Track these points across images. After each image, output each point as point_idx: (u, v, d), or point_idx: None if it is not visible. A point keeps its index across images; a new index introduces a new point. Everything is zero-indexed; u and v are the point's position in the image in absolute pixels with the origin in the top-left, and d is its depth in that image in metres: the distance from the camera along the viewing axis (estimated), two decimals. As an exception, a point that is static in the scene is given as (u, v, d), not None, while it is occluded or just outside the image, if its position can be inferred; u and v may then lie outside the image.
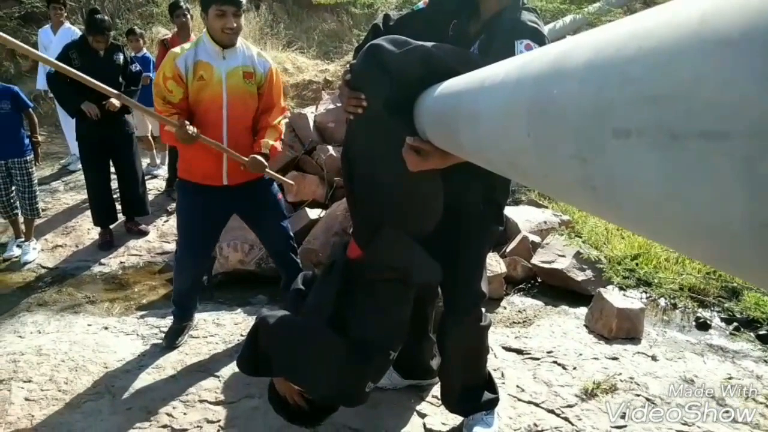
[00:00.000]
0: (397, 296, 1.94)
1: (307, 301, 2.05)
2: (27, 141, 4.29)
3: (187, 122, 2.61)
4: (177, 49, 2.76)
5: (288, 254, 3.07)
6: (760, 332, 3.17)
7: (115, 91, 2.69)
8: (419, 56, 1.48)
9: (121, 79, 4.42)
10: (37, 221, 4.64)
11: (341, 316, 1.91)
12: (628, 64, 0.44)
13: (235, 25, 2.66)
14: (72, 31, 5.98)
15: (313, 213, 4.20)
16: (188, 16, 5.29)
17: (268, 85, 2.88)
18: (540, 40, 1.62)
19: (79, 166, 5.24)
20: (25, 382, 2.72)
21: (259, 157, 2.76)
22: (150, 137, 6.15)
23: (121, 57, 4.49)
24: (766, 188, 0.31)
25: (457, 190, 1.86)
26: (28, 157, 4.28)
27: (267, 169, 2.83)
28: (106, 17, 4.47)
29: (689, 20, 0.37)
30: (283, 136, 3.01)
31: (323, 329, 1.88)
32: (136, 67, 4.67)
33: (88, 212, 4.75)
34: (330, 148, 4.57)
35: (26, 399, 2.60)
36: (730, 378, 2.71)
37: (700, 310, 3.44)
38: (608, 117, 0.46)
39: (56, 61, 2.66)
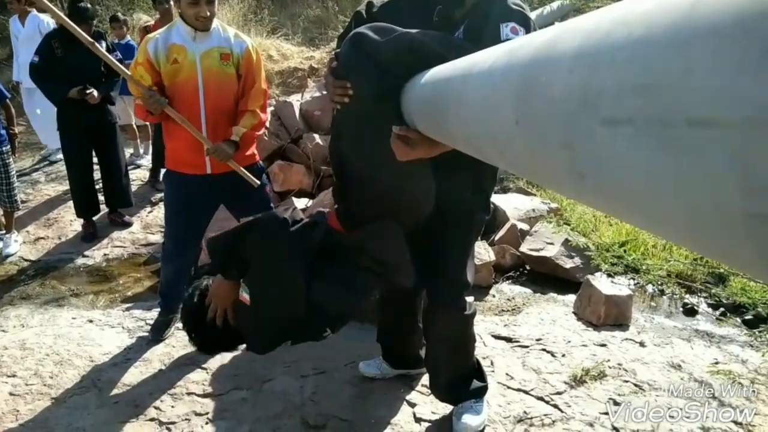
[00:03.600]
0: (363, 283, 1.88)
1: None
2: (3, 132, 4.19)
3: (155, 88, 2.60)
4: (150, 35, 2.74)
5: None
6: (746, 317, 3.20)
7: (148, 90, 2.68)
8: (405, 44, 1.46)
9: (103, 68, 4.34)
10: (19, 213, 4.56)
11: (312, 272, 1.80)
12: (616, 51, 0.43)
13: (208, 13, 2.62)
14: (38, 18, 5.80)
15: (300, 202, 4.17)
16: (171, 3, 5.20)
17: (247, 65, 2.79)
18: (525, 23, 1.61)
19: (60, 156, 5.16)
20: (9, 376, 2.69)
21: (224, 145, 2.69)
22: (134, 126, 6.07)
23: (104, 45, 4.41)
24: (758, 178, 0.31)
25: (445, 178, 1.84)
26: (3, 149, 4.17)
27: (232, 160, 2.74)
28: (89, 5, 4.38)
29: (679, 7, 0.37)
30: (267, 123, 2.96)
31: (301, 272, 1.77)
32: (116, 55, 4.57)
33: (71, 203, 4.68)
34: (316, 136, 4.53)
35: (11, 394, 2.57)
36: (716, 363, 2.74)
37: (687, 296, 3.47)
38: (597, 105, 0.46)
39: (106, 53, 2.72)
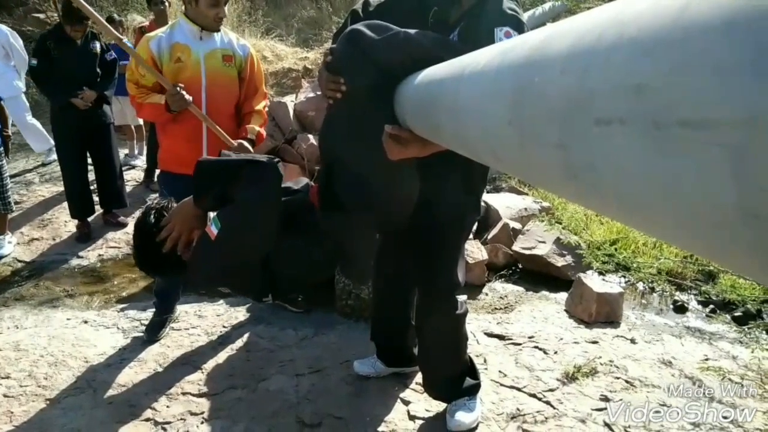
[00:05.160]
0: (319, 265, 1.84)
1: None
2: None
3: (181, 85, 2.59)
4: (152, 33, 2.73)
5: None
6: (736, 314, 3.24)
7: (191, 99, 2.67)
8: (401, 42, 1.47)
9: (98, 68, 4.34)
10: (13, 214, 4.54)
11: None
12: (609, 51, 0.43)
13: (225, 14, 2.69)
14: (2, 31, 5.51)
15: (294, 202, 4.17)
16: (166, 4, 5.19)
17: (250, 70, 2.85)
18: (520, 28, 1.63)
19: (53, 157, 5.11)
20: (2, 378, 2.68)
21: (246, 143, 2.74)
22: (132, 127, 6.05)
23: (98, 45, 4.41)
24: (754, 178, 0.31)
25: (436, 178, 1.86)
26: None
27: None
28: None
29: (671, 7, 0.37)
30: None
31: (274, 232, 1.69)
32: (111, 55, 4.57)
33: (65, 204, 4.65)
34: (310, 137, 4.54)
35: (5, 395, 2.56)
36: (706, 359, 2.77)
37: (677, 293, 3.50)
38: (590, 105, 0.46)
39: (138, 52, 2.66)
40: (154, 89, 2.67)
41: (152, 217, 1.72)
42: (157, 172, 3.10)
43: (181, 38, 2.68)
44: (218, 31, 2.74)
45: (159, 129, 2.87)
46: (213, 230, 1.62)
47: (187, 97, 2.59)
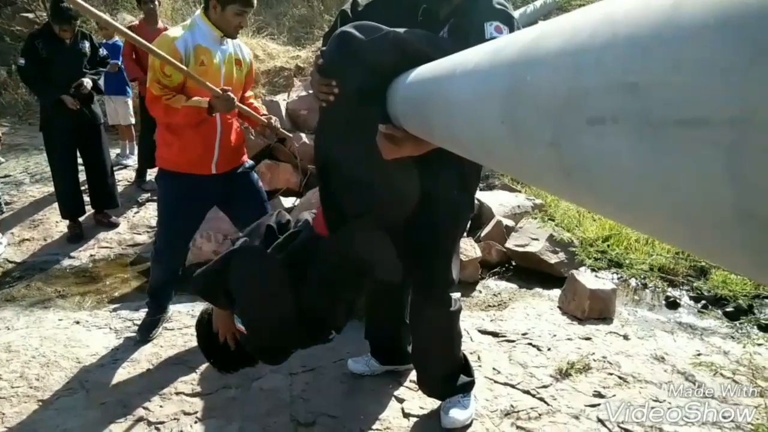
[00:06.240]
0: (354, 285, 1.93)
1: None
2: None
3: (228, 87, 2.64)
4: (171, 33, 2.67)
5: None
6: (727, 309, 3.27)
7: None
8: (391, 42, 1.47)
9: (85, 67, 4.32)
10: (4, 215, 4.51)
11: (298, 283, 1.86)
12: (602, 49, 0.43)
13: (246, 24, 2.80)
14: None
15: (288, 201, 4.17)
16: (156, 3, 5.16)
17: (250, 72, 2.98)
18: (509, 21, 1.64)
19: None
20: (-6, 379, 2.67)
21: (272, 118, 2.95)
22: (125, 127, 6.02)
23: (87, 45, 4.38)
24: (748, 176, 0.31)
25: (431, 177, 1.86)
26: None
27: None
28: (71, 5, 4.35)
29: (664, 4, 0.36)
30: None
31: (284, 289, 1.81)
32: (103, 51, 4.59)
33: (56, 204, 4.62)
34: (303, 135, 4.53)
35: (-3, 397, 2.55)
36: (699, 354, 2.79)
37: (669, 289, 3.52)
38: (582, 104, 0.46)
39: (169, 58, 2.56)
40: (176, 90, 2.64)
41: (205, 325, 1.96)
42: (155, 170, 3.07)
43: (203, 41, 2.65)
44: (236, 38, 2.79)
45: (168, 131, 2.77)
46: (240, 327, 1.82)
47: (234, 98, 2.65)
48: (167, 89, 2.61)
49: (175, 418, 2.39)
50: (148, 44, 2.53)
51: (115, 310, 3.40)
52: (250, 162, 3.06)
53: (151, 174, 5.57)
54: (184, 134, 2.70)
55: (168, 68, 2.57)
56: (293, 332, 1.82)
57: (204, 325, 1.95)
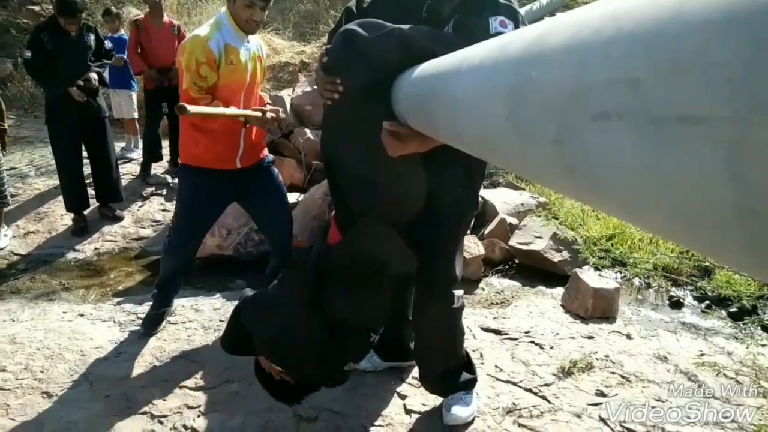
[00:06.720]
0: (374, 283, 1.94)
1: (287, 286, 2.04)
2: None
3: (265, 108, 2.70)
4: (201, 33, 2.62)
5: (288, 238, 3.06)
6: (731, 310, 3.26)
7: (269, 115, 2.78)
8: (395, 40, 1.47)
9: (90, 60, 4.33)
10: (9, 207, 4.53)
11: (320, 299, 1.90)
12: (606, 46, 0.43)
13: (260, 18, 2.67)
14: None
15: (292, 197, 4.17)
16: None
17: (265, 66, 3.01)
18: (514, 16, 1.64)
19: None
20: (-1, 371, 2.68)
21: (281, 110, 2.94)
22: (130, 120, 6.03)
23: (92, 38, 4.39)
24: (750, 174, 0.31)
25: (436, 174, 1.86)
26: None
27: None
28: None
29: (669, 1, 0.36)
30: None
31: (304, 312, 1.87)
32: (108, 44, 4.60)
33: (61, 197, 4.63)
34: (307, 131, 4.53)
35: (1, 388, 2.56)
36: (702, 354, 2.78)
37: (673, 288, 3.52)
38: (587, 100, 0.46)
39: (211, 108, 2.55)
40: (209, 91, 2.63)
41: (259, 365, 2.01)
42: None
43: (230, 40, 2.64)
44: (253, 33, 2.74)
45: (195, 128, 2.75)
46: (277, 368, 1.90)
47: (271, 115, 2.70)
48: (202, 90, 2.62)
49: (178, 412, 2.40)
50: (239, 111, 2.63)
51: (119, 303, 3.41)
52: (271, 156, 3.08)
53: (156, 168, 5.58)
54: (213, 134, 2.71)
55: (204, 69, 2.58)
56: (328, 352, 1.86)
57: (261, 370, 2.01)
